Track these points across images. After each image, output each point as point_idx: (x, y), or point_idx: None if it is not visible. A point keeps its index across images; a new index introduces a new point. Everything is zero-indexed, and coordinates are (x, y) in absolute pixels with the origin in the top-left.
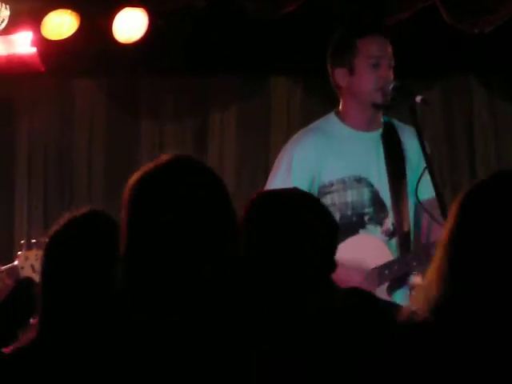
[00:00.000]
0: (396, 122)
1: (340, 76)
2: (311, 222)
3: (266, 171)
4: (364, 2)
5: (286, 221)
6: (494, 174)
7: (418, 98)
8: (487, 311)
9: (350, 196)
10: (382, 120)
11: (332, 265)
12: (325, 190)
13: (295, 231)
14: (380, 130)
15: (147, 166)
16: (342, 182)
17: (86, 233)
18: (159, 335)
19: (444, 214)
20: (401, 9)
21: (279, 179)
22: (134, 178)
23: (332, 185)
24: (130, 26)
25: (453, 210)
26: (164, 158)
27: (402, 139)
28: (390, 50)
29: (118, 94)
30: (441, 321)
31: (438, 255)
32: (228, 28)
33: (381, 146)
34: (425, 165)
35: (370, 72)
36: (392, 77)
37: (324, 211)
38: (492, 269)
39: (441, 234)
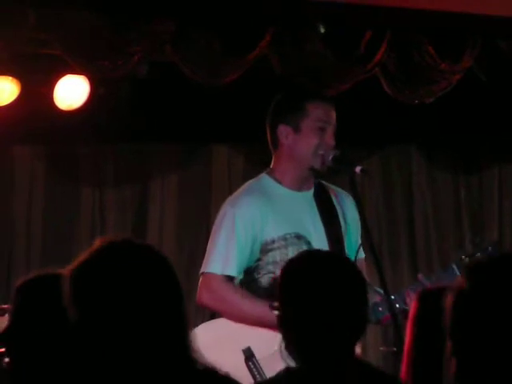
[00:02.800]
0: (327, 184)
1: (283, 133)
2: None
3: (207, 238)
4: (305, 72)
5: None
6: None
7: (358, 169)
8: None
9: (291, 253)
10: (312, 181)
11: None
12: (267, 247)
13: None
14: (312, 190)
15: (84, 256)
16: (284, 239)
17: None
18: None
19: (382, 279)
20: (342, 79)
21: (223, 240)
22: (72, 271)
23: (274, 242)
24: (71, 93)
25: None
26: (100, 243)
27: (334, 199)
28: (334, 117)
29: (58, 161)
30: None
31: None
32: (169, 96)
33: (314, 205)
34: (360, 228)
35: (315, 135)
36: (334, 144)
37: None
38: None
39: None
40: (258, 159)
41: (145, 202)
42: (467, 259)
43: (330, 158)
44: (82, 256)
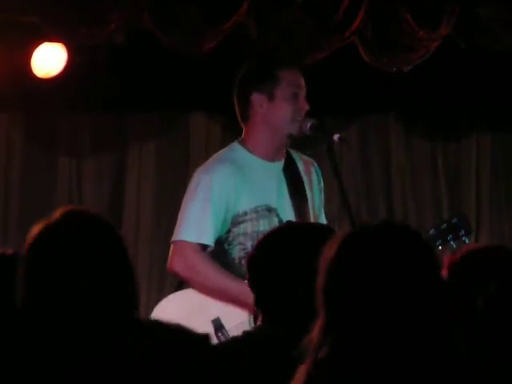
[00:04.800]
0: (295, 153)
1: (257, 102)
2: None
3: None
4: (283, 41)
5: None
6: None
7: (336, 137)
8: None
9: (262, 225)
10: (285, 151)
11: None
12: (238, 219)
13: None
14: (282, 161)
15: (45, 222)
16: (255, 211)
17: None
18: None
19: None
20: (319, 47)
21: (198, 207)
22: (32, 236)
23: (246, 214)
24: (48, 60)
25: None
26: (60, 213)
27: (302, 169)
28: (303, 82)
29: (35, 129)
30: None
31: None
32: (147, 64)
33: (283, 176)
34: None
35: (290, 101)
36: (308, 108)
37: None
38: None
39: None
40: (235, 128)
41: (122, 171)
42: (433, 230)
43: (308, 126)
44: (36, 228)
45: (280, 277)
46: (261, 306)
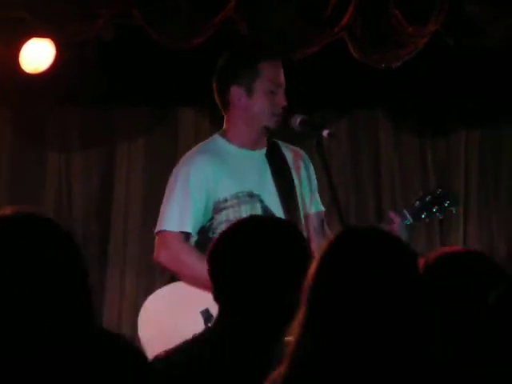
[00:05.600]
0: (281, 143)
1: (236, 95)
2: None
3: None
4: (272, 36)
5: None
6: (344, 232)
7: (325, 132)
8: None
9: (244, 211)
10: (266, 139)
11: None
12: (219, 205)
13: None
14: (264, 149)
15: None
16: (236, 197)
17: None
18: None
19: None
20: (308, 43)
21: (178, 198)
22: None
23: (226, 200)
24: (37, 56)
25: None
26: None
27: (288, 157)
28: (283, 75)
29: (24, 124)
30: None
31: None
32: (135, 59)
33: (266, 163)
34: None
35: (267, 97)
36: (285, 103)
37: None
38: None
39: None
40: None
41: (111, 166)
42: (418, 203)
43: (298, 121)
44: None
45: (237, 270)
46: (218, 297)
